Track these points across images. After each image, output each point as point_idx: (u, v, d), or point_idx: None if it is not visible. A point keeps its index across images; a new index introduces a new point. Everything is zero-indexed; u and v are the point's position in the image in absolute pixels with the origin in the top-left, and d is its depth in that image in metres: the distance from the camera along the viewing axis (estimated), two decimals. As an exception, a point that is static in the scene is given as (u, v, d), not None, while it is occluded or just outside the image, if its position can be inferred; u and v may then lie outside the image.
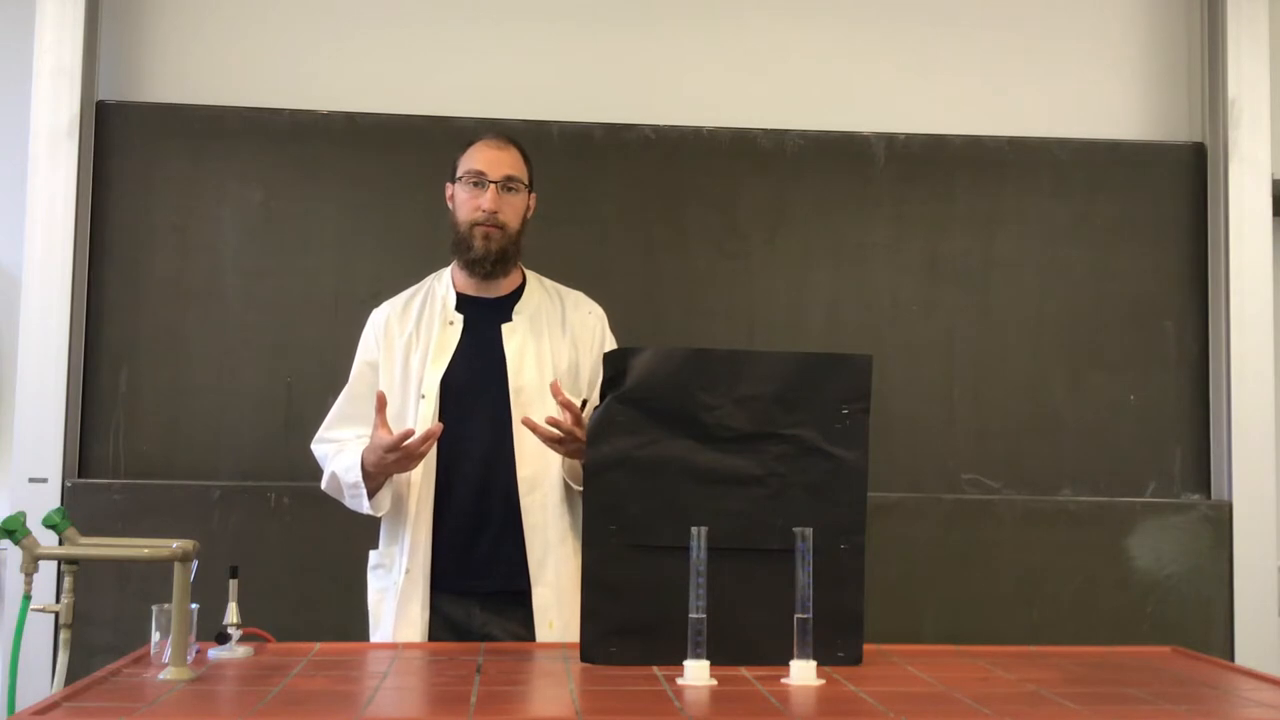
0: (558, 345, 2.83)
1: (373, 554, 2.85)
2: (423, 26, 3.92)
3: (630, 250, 3.83)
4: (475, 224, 2.77)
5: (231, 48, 3.87)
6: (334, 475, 2.77)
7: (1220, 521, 3.82)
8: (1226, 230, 3.88)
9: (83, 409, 3.66)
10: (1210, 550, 3.81)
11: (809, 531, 2.14)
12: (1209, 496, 3.88)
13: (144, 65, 3.84)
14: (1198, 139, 4.01)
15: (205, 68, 3.84)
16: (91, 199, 3.70)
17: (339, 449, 2.79)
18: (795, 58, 4.00)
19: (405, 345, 2.81)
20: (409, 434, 2.58)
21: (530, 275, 2.91)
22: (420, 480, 2.73)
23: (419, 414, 2.74)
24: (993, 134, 3.95)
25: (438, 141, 3.75)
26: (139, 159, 3.75)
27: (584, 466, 2.36)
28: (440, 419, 2.71)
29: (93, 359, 3.68)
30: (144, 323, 3.72)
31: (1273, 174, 3.92)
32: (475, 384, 2.76)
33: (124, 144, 3.74)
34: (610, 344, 2.88)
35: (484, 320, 2.81)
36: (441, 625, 2.73)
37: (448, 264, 2.90)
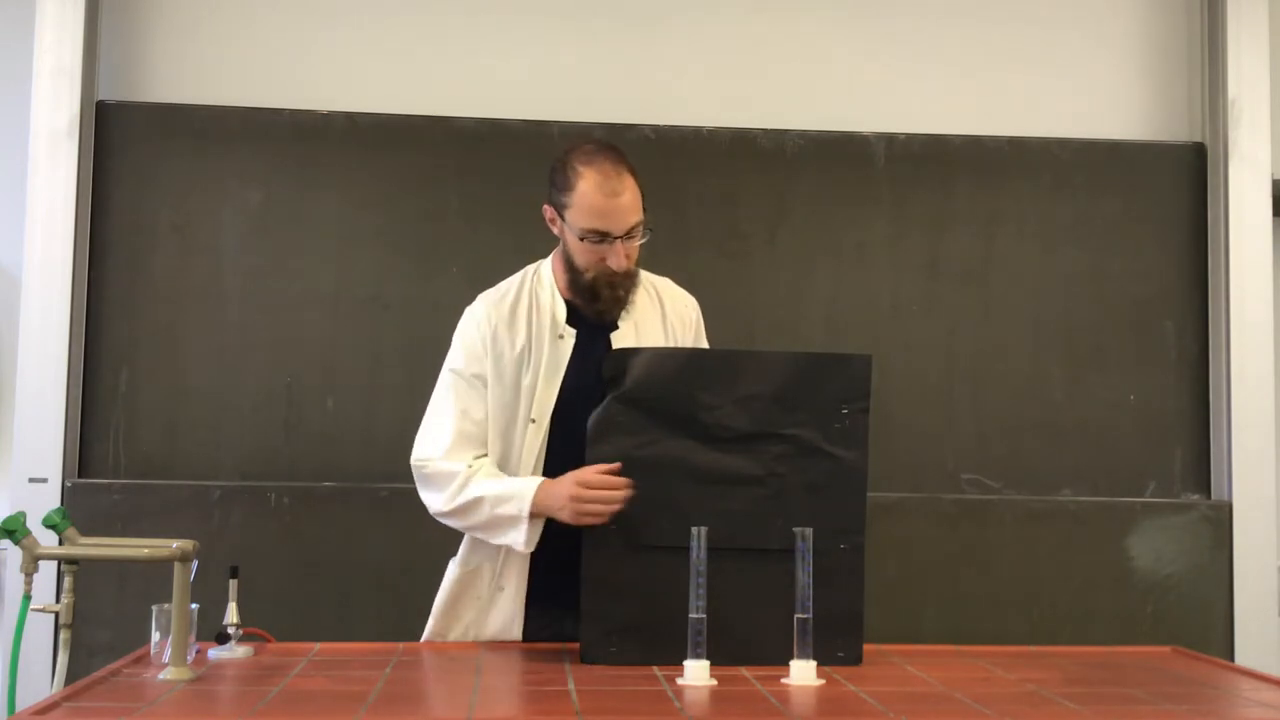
0: (660, 345, 2.63)
1: (452, 563, 2.65)
2: (423, 26, 3.91)
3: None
4: (602, 274, 2.55)
5: (231, 48, 3.86)
6: (480, 499, 2.49)
7: (1220, 521, 3.82)
8: (1226, 230, 3.88)
9: (83, 409, 3.66)
10: (1210, 550, 3.81)
11: (809, 531, 2.15)
12: (1209, 496, 3.88)
13: (144, 65, 3.84)
14: (1198, 139, 4.01)
15: (205, 68, 3.84)
16: (91, 199, 3.69)
17: (470, 474, 2.52)
18: (795, 58, 4.00)
19: (517, 362, 2.57)
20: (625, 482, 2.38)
21: None
22: None
23: (526, 439, 2.55)
24: (993, 134, 3.95)
25: (438, 141, 3.76)
26: (139, 159, 3.74)
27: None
28: (549, 442, 2.54)
29: (93, 359, 3.68)
30: (144, 323, 3.71)
31: (1273, 174, 3.92)
32: (585, 401, 2.48)
33: (124, 144, 3.74)
34: (702, 335, 2.73)
35: (592, 330, 2.60)
36: (538, 629, 2.58)
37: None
